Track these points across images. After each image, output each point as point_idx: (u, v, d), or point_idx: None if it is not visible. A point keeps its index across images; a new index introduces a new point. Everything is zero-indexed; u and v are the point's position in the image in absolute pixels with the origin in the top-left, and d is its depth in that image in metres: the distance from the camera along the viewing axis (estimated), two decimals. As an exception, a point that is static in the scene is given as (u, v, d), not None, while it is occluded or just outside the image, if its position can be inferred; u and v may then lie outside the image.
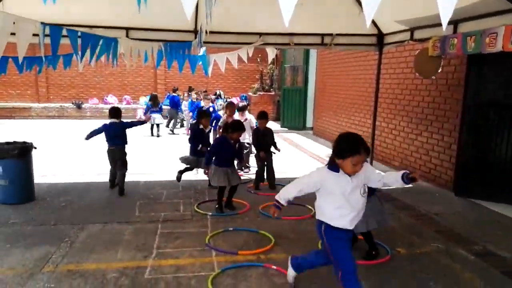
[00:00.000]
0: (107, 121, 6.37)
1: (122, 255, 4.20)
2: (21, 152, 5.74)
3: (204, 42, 6.75)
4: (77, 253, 4.24)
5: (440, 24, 5.55)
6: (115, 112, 6.41)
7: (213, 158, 5.59)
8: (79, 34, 3.72)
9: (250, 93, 18.68)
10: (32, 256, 4.14)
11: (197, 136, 6.73)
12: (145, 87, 19.50)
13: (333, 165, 3.00)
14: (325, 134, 12.77)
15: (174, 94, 14.79)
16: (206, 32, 4.93)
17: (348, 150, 2.89)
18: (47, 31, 3.42)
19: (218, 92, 18.14)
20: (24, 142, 5.96)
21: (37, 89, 18.31)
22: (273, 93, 18.21)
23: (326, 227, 3.08)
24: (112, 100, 18.67)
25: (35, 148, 6.02)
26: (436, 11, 5.52)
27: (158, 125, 13.46)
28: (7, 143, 5.90)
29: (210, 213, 5.47)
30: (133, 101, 19.04)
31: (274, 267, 3.95)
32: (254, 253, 4.27)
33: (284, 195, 3.18)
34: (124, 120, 6.55)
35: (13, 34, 4.16)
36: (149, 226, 5.04)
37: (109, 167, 6.60)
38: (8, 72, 16.71)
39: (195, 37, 6.69)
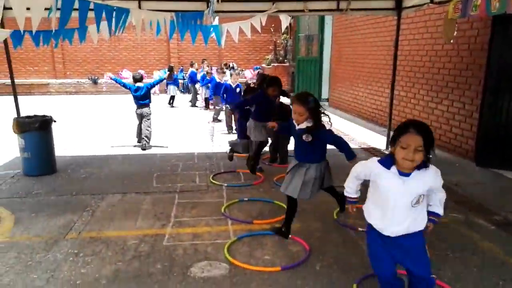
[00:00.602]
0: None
1: (141, 224, 4.31)
2: (42, 125, 5.88)
3: (216, 12, 6.68)
4: (98, 221, 4.36)
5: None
6: (140, 77, 7.89)
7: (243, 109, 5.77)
8: (91, 6, 3.69)
9: (263, 65, 18.49)
10: (56, 224, 4.28)
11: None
12: (159, 61, 19.48)
13: (386, 158, 2.51)
14: (341, 105, 12.62)
15: (191, 69, 14.79)
16: (218, 1, 4.86)
17: (396, 131, 2.42)
18: (59, 4, 3.41)
19: (231, 65, 18.00)
20: (44, 116, 6.07)
21: (53, 65, 18.47)
22: (287, 64, 17.97)
23: (368, 225, 2.70)
24: (127, 75, 18.71)
25: (55, 121, 6.15)
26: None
27: (173, 97, 13.79)
28: (28, 117, 6.03)
29: (226, 184, 5.52)
30: (147, 75, 19.06)
31: (289, 235, 3.98)
32: (269, 222, 4.32)
33: (347, 187, 2.91)
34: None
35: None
36: (167, 196, 5.12)
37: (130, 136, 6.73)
38: (25, 48, 17.05)
39: (207, 6, 6.59)
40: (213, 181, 5.63)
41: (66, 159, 6.73)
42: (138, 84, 7.64)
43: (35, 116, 6.08)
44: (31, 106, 6.22)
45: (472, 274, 3.36)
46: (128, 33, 18.26)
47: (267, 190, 5.37)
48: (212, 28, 6.58)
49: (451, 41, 6.22)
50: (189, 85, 14.97)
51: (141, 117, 7.61)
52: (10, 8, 6.19)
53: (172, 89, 13.99)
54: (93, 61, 18.92)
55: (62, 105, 14.47)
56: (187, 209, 4.69)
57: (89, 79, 17.98)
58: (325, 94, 14.40)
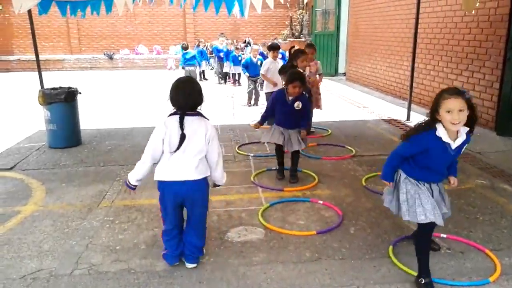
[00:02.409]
0: None
1: (173, 192, 4.40)
2: (68, 97, 5.94)
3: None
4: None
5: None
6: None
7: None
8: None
9: (279, 40, 18.33)
10: (88, 193, 4.38)
11: None
12: (175, 36, 19.39)
13: (431, 130, 2.59)
14: (359, 80, 12.55)
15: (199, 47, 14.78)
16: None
17: (435, 101, 2.52)
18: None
19: (247, 40, 17.87)
20: (70, 87, 6.13)
21: (69, 40, 18.50)
22: (303, 39, 17.80)
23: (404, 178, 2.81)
24: (143, 50, 18.73)
25: (80, 93, 6.21)
26: None
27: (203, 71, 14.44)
28: (53, 88, 6.10)
29: (252, 154, 5.58)
30: (163, 51, 19.03)
31: (321, 202, 4.07)
32: (299, 190, 4.40)
33: (387, 172, 2.91)
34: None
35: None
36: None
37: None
38: (40, 24, 17.04)
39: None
40: (239, 152, 5.71)
41: (90, 132, 6.83)
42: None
43: (61, 87, 6.14)
44: (47, 81, 6.31)
45: (502, 235, 3.43)
46: (144, 8, 18.18)
47: (292, 159, 5.43)
48: (236, 0, 6.55)
49: (472, 11, 6.15)
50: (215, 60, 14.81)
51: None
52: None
53: (203, 64, 14.24)
54: (109, 36, 18.89)
55: (78, 80, 14.54)
56: (216, 178, 4.78)
57: (104, 54, 18.01)
58: (342, 68, 14.32)
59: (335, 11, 14.16)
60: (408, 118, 7.66)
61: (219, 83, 13.60)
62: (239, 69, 12.08)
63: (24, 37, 17.72)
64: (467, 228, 3.53)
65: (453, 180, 2.84)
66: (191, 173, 2.79)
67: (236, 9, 9.05)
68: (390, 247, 3.17)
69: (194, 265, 2.99)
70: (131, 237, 3.47)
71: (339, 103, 9.97)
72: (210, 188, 3.02)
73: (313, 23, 15.64)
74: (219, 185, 3.12)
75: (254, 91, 9.34)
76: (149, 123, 7.01)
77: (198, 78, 13.30)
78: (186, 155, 2.77)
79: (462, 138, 2.58)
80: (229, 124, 7.40)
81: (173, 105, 2.85)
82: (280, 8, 18.88)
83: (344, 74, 13.82)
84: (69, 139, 6.09)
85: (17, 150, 5.92)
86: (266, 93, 7.04)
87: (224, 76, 13.60)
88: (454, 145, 2.59)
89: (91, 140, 6.44)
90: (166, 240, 3.01)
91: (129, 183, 2.98)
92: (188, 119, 2.79)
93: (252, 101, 9.41)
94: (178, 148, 2.73)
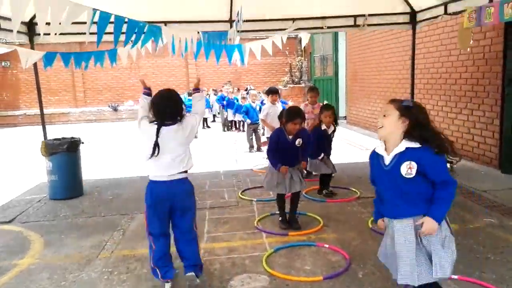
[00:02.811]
0: None
1: (174, 240, 4.30)
2: (70, 147, 5.95)
3: (239, 31, 6.84)
4: (130, 240, 4.37)
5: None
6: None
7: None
8: (126, 20, 3.82)
9: (280, 86, 18.66)
10: (87, 244, 4.28)
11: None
12: (178, 86, 19.75)
13: None
14: (359, 122, 12.61)
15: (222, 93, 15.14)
16: (243, 21, 4.97)
17: None
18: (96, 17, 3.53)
19: (248, 87, 18.21)
20: (72, 137, 6.17)
21: (74, 94, 18.90)
22: (303, 85, 18.14)
23: None
24: (130, 103, 19.00)
25: (83, 143, 6.24)
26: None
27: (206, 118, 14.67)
28: (56, 139, 6.13)
29: (255, 199, 5.51)
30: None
31: (327, 245, 3.95)
32: (304, 234, 4.29)
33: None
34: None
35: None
36: (198, 213, 5.11)
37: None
38: (46, 79, 17.48)
39: (231, 27, 6.75)
40: (242, 197, 5.64)
41: (91, 182, 6.78)
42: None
43: (63, 138, 6.18)
44: (52, 134, 6.39)
45: (518, 276, 3.29)
46: (147, 60, 18.69)
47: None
48: (236, 47, 6.70)
49: (468, 49, 6.27)
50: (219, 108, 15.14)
51: None
52: (38, 34, 6.52)
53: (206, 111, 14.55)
54: (113, 88, 19.30)
55: (82, 132, 14.65)
56: (219, 225, 4.69)
57: (109, 106, 18.32)
58: (342, 112, 14.43)
59: (332, 56, 14.49)
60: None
61: (224, 131, 13.71)
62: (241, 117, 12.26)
63: (30, 92, 18.13)
64: (479, 269, 3.39)
65: (423, 222, 2.24)
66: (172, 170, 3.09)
67: (236, 57, 9.28)
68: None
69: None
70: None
71: (341, 145, 9.96)
72: None
73: (312, 69, 15.98)
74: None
75: (254, 137, 9.40)
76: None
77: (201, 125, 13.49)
78: (164, 157, 3.05)
79: (398, 149, 2.29)
80: (232, 170, 7.37)
81: (153, 115, 3.12)
82: (279, 56, 19.36)
83: (345, 117, 13.91)
84: (70, 189, 6.03)
85: (17, 203, 5.86)
86: (267, 137, 7.04)
87: (228, 124, 13.76)
88: (387, 158, 2.32)
89: (93, 190, 6.38)
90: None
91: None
92: (164, 129, 3.04)
93: (255, 148, 9.43)
94: (152, 155, 3.01)
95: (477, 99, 6.97)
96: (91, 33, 3.85)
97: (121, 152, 10.18)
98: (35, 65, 6.78)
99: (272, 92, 7.42)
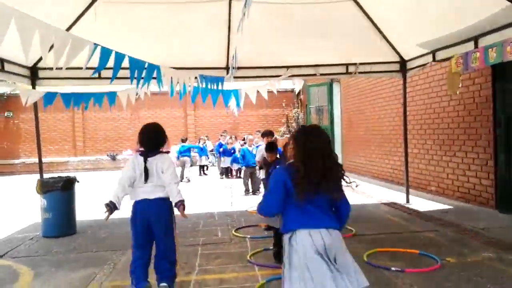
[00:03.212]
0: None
1: (165, 272, 4.23)
2: (65, 185, 5.98)
3: (235, 77, 7.11)
4: (120, 273, 4.31)
5: (461, 42, 5.72)
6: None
7: None
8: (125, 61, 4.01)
9: (276, 136, 18.89)
10: (77, 276, 4.23)
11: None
12: (177, 136, 19.94)
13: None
14: (355, 169, 12.68)
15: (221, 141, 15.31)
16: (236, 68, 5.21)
17: None
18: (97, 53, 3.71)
19: (245, 137, 18.44)
20: (68, 176, 6.21)
21: (74, 143, 19.09)
22: (299, 135, 18.36)
23: None
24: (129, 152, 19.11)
25: (78, 181, 6.27)
26: (456, 27, 5.70)
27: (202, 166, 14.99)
28: (51, 177, 6.17)
29: (249, 236, 5.47)
30: (165, 150, 19.49)
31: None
32: (296, 266, 4.22)
33: None
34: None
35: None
36: (189, 249, 5.08)
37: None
38: (47, 129, 17.72)
39: (227, 73, 7.01)
40: (236, 234, 5.59)
41: (86, 222, 6.72)
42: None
43: (59, 177, 6.22)
44: None
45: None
46: (147, 111, 19.10)
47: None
48: (232, 92, 6.93)
49: (457, 92, 6.48)
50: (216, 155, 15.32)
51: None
52: (41, 79, 6.76)
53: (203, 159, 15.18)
54: (112, 138, 19.51)
55: (80, 180, 14.69)
56: (211, 259, 4.63)
57: (108, 155, 18.44)
58: (339, 160, 14.49)
59: (328, 107, 14.83)
60: (407, 201, 7.62)
61: (221, 178, 13.75)
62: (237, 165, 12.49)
63: (30, 141, 18.30)
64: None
65: None
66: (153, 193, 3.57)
67: (232, 103, 9.53)
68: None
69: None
70: (118, 317, 3.28)
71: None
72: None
73: (308, 120, 16.27)
74: (182, 201, 3.54)
75: (250, 181, 9.45)
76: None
77: (188, 167, 13.48)
78: (148, 184, 3.55)
79: None
80: (226, 211, 7.34)
81: (140, 146, 3.60)
82: (276, 108, 19.81)
83: (341, 165, 13.97)
84: (64, 227, 6.00)
85: (9, 240, 5.81)
86: (262, 179, 7.10)
87: (225, 171, 13.83)
88: None
89: (87, 229, 6.33)
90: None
91: (108, 202, 3.64)
92: (151, 159, 3.55)
93: (250, 191, 9.46)
94: (145, 180, 3.52)
95: (470, 142, 7.10)
96: (88, 68, 4.03)
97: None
98: (36, 114, 7.01)
99: (267, 134, 7.58)
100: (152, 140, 3.67)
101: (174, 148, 18.92)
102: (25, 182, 13.41)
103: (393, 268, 3.99)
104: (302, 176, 2.36)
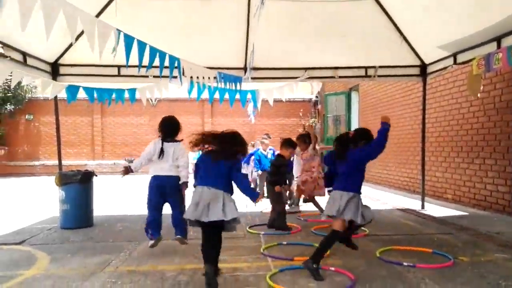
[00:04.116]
0: None
1: (180, 260, 4.31)
2: (84, 178, 6.09)
3: (253, 78, 7.18)
4: (136, 259, 4.37)
5: (483, 43, 5.67)
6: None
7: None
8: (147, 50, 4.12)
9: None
10: (93, 261, 4.30)
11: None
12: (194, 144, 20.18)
13: None
14: (371, 178, 12.58)
15: None
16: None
17: None
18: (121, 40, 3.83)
19: (254, 142, 18.37)
20: (86, 170, 6.34)
21: (93, 147, 19.40)
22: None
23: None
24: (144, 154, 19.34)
25: (96, 175, 6.39)
26: (478, 27, 5.66)
27: None
28: (71, 171, 6.31)
29: (263, 232, 5.48)
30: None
31: (332, 268, 3.89)
32: (310, 259, 4.22)
33: None
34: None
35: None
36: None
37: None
38: (66, 132, 18.06)
39: (245, 74, 7.09)
40: (250, 231, 5.62)
41: (103, 217, 6.82)
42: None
43: (78, 170, 6.35)
44: None
45: (531, 299, 3.18)
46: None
47: (305, 237, 5.31)
48: (249, 92, 7.00)
49: (478, 95, 6.43)
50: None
51: None
52: (62, 75, 6.94)
53: None
54: (131, 143, 19.75)
55: (98, 183, 14.91)
56: (225, 251, 4.58)
57: (125, 160, 18.67)
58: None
59: (345, 116, 14.81)
60: (422, 207, 7.53)
61: None
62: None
63: (50, 144, 18.69)
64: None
65: None
66: (169, 172, 4.55)
67: (250, 107, 9.58)
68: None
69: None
70: (132, 297, 3.33)
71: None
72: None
73: (325, 128, 16.24)
74: (185, 183, 4.61)
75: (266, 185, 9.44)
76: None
77: None
78: (164, 161, 4.53)
79: None
80: (241, 212, 7.33)
81: (160, 132, 4.64)
82: (293, 117, 19.84)
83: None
84: (81, 219, 6.10)
85: (28, 230, 5.93)
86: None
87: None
88: None
89: (103, 222, 6.42)
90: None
91: (127, 166, 4.77)
92: (167, 144, 4.56)
93: (265, 195, 9.43)
94: (159, 157, 4.52)
95: (489, 148, 7.02)
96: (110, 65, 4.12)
97: (132, 196, 10.27)
98: (57, 117, 7.19)
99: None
100: (169, 128, 4.65)
101: (191, 155, 19.10)
102: (45, 183, 13.71)
103: (404, 263, 3.93)
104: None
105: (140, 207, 8.10)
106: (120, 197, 10.15)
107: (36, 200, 9.73)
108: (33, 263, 4.25)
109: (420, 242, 4.95)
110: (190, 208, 3.53)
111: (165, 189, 4.57)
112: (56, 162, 7.32)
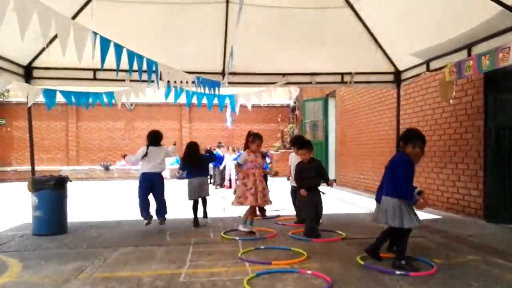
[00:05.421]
0: None
1: (156, 266, 4.24)
2: (57, 184, 5.95)
3: (231, 83, 7.20)
4: (111, 266, 4.29)
5: (454, 51, 5.82)
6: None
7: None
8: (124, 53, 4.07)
9: (271, 151, 18.98)
10: (66, 268, 4.20)
11: None
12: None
13: None
14: (348, 183, 12.75)
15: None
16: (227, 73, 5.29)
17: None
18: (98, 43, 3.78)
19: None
20: (60, 175, 6.20)
21: (67, 152, 19.04)
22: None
23: None
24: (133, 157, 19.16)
25: (70, 181, 6.26)
26: (449, 35, 5.81)
27: None
28: (44, 176, 6.16)
29: (238, 238, 5.47)
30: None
31: (309, 272, 3.91)
32: (288, 263, 4.25)
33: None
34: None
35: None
36: (181, 247, 5.07)
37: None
38: (40, 137, 17.68)
39: (223, 78, 7.09)
40: (226, 236, 5.61)
41: (76, 223, 6.68)
42: None
43: (51, 175, 6.21)
44: None
45: (501, 299, 3.27)
46: (142, 122, 19.17)
47: (282, 241, 5.32)
48: (227, 96, 7.01)
49: (450, 101, 6.60)
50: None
51: None
52: (35, 78, 6.79)
53: None
54: (106, 149, 19.47)
55: (73, 189, 14.58)
56: (202, 256, 4.62)
57: (101, 165, 18.39)
58: (332, 175, 14.57)
59: (322, 122, 14.96)
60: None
61: (216, 188, 13.75)
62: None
63: (23, 149, 18.27)
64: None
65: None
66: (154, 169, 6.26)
67: (228, 113, 9.58)
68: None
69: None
70: (107, 304, 3.27)
71: (330, 202, 9.98)
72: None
73: (303, 134, 16.37)
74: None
75: None
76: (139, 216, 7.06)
77: None
78: (151, 162, 6.24)
79: None
80: (219, 216, 7.33)
81: (147, 141, 6.40)
82: (272, 123, 19.96)
83: (335, 180, 14.03)
84: (55, 226, 5.95)
85: (-2, 237, 5.77)
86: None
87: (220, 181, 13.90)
88: None
89: (78, 229, 6.29)
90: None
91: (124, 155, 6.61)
92: (152, 148, 6.29)
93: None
94: (143, 157, 6.25)
95: (461, 153, 7.20)
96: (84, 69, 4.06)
97: (109, 203, 10.11)
98: (30, 121, 7.03)
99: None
100: (153, 138, 6.41)
101: (168, 161, 18.92)
102: (17, 189, 13.33)
103: (397, 272, 3.90)
104: None
105: (115, 214, 8.02)
106: (95, 204, 9.96)
107: (7, 206, 9.47)
108: (4, 271, 4.12)
109: (395, 246, 5.01)
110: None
111: (151, 183, 6.21)
112: (29, 167, 7.15)
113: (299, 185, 5.81)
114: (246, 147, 5.91)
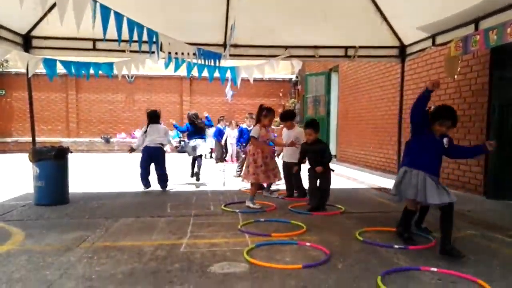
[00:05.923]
0: None
1: (157, 236, 4.28)
2: (58, 154, 5.95)
3: (232, 55, 7.11)
4: (112, 235, 4.33)
5: (461, 25, 5.70)
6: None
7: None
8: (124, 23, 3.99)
9: (273, 126, 18.92)
10: (69, 237, 4.23)
11: None
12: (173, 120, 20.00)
13: None
14: (349, 159, 12.76)
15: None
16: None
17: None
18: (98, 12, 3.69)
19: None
20: (61, 146, 6.20)
21: (68, 124, 18.99)
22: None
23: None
24: (139, 134, 19.16)
25: (71, 152, 6.26)
26: (457, 9, 5.66)
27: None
28: (44, 147, 6.16)
29: (238, 210, 5.52)
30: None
31: (308, 244, 3.95)
32: (288, 235, 4.28)
33: None
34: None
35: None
36: (182, 218, 5.11)
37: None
38: (40, 108, 17.62)
39: (224, 51, 6.99)
40: (226, 209, 5.64)
41: (78, 194, 6.73)
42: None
43: (52, 146, 6.21)
44: None
45: (495, 271, 3.32)
46: (142, 95, 19.07)
47: (282, 215, 5.36)
48: (229, 69, 6.93)
49: (455, 77, 6.52)
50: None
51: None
52: (35, 48, 6.69)
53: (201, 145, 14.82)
54: (107, 121, 19.39)
55: (73, 162, 14.63)
56: (203, 227, 4.67)
57: (101, 138, 18.38)
58: (333, 150, 14.58)
59: (324, 97, 14.86)
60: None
61: (216, 162, 13.77)
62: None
63: (23, 120, 18.23)
64: (459, 265, 3.40)
65: None
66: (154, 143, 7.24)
67: (228, 88, 9.51)
68: (379, 277, 3.03)
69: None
70: (108, 268, 3.33)
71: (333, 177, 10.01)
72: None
73: (305, 109, 16.29)
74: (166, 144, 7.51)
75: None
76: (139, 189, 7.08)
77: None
78: (150, 137, 7.24)
79: None
80: (219, 190, 7.38)
81: (147, 119, 7.43)
82: (273, 97, 19.82)
83: (335, 156, 14.05)
84: (56, 196, 5.98)
85: (1, 206, 5.80)
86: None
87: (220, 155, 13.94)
88: None
89: (79, 200, 6.33)
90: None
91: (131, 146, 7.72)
92: (152, 125, 7.35)
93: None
94: (144, 133, 7.34)
95: (463, 129, 7.16)
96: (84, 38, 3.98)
97: (110, 175, 10.15)
98: (29, 92, 6.97)
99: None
100: (152, 117, 7.51)
101: (171, 133, 18.92)
102: (18, 160, 13.40)
103: (395, 246, 3.93)
104: None
105: (117, 185, 8.07)
106: (97, 175, 10.01)
107: (8, 177, 9.52)
108: (7, 239, 4.16)
109: (395, 219, 5.04)
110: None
111: (151, 155, 7.19)
112: (30, 139, 7.14)
113: (297, 162, 5.94)
114: (258, 121, 5.84)
